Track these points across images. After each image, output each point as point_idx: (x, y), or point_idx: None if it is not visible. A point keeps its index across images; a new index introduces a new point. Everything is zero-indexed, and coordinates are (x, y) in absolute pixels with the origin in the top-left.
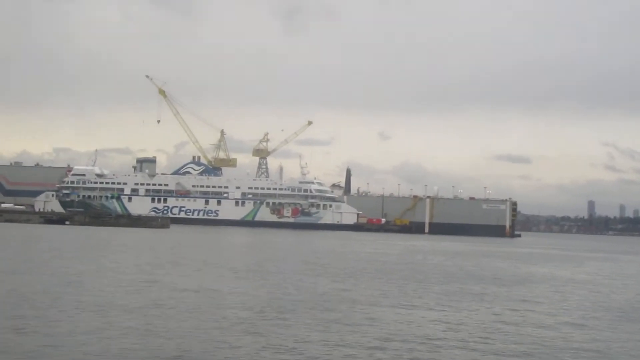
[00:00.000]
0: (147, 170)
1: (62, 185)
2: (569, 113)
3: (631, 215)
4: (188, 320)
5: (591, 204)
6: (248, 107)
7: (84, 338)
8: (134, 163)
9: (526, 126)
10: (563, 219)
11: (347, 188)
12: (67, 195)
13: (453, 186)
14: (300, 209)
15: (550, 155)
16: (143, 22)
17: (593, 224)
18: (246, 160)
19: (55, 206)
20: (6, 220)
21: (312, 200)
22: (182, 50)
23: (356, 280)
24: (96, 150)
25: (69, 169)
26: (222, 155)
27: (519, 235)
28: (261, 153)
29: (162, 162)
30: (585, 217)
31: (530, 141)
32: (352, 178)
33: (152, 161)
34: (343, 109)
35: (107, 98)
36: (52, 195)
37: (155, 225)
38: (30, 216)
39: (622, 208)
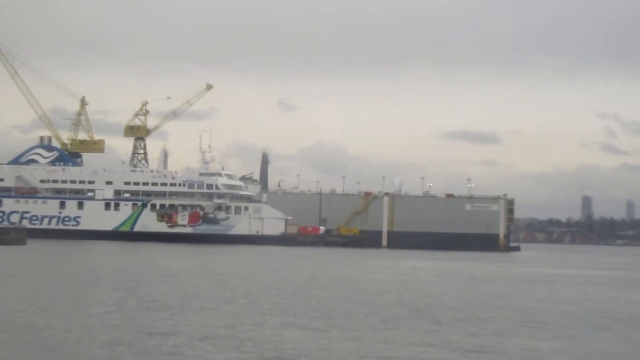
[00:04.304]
0: None
1: None
2: (549, 73)
3: None
4: None
5: (586, 201)
6: (108, 68)
7: None
8: None
9: (490, 93)
10: (550, 222)
11: (263, 182)
12: None
13: (423, 178)
14: (201, 213)
15: (525, 132)
16: None
17: (594, 231)
18: (117, 143)
19: None
20: None
21: (219, 201)
22: None
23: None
24: None
25: None
26: (82, 135)
27: (518, 249)
28: (137, 132)
29: None
30: (580, 219)
31: (495, 113)
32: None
33: None
34: (225, 68)
35: None
36: None
37: (8, 241)
38: None
39: (629, 205)
